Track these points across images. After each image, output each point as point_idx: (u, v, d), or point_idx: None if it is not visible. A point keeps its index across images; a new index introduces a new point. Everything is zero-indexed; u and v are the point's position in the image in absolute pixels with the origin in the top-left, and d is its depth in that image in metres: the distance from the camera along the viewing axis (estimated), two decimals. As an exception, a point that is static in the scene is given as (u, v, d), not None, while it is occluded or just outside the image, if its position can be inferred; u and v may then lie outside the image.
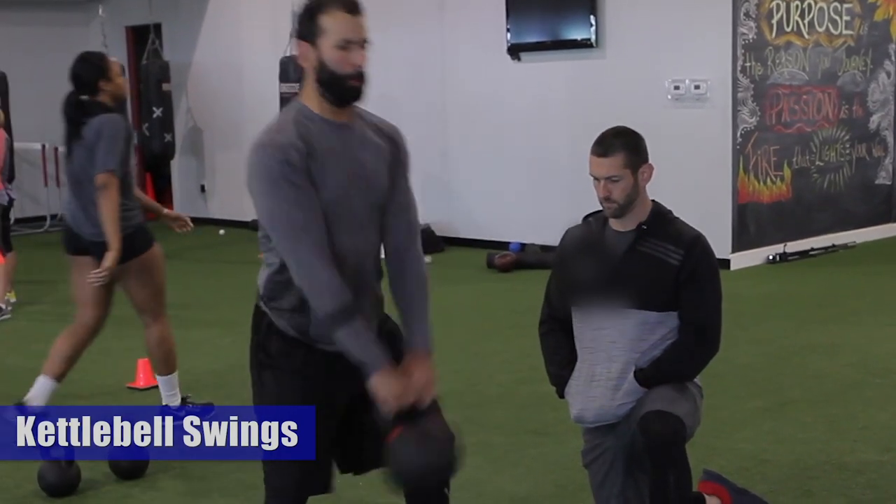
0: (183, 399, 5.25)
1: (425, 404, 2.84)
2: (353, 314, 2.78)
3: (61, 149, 13.33)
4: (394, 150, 2.99)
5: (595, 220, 3.50)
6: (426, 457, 2.82)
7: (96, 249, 4.78)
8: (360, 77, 2.83)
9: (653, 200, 3.45)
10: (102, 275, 4.70)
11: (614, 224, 3.43)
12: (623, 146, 3.35)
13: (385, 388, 2.78)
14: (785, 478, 4.25)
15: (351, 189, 2.87)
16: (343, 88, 2.83)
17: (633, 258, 3.38)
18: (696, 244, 3.37)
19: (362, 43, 2.82)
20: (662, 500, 3.25)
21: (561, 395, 3.53)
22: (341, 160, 2.85)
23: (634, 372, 3.34)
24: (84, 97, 4.91)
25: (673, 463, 3.24)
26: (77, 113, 4.90)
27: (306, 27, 2.83)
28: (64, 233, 5.09)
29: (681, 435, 3.24)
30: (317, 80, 2.84)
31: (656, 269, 3.35)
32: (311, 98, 2.87)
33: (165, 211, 5.51)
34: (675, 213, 3.48)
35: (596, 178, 3.37)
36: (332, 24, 2.79)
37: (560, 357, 3.53)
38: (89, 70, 4.94)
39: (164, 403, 5.17)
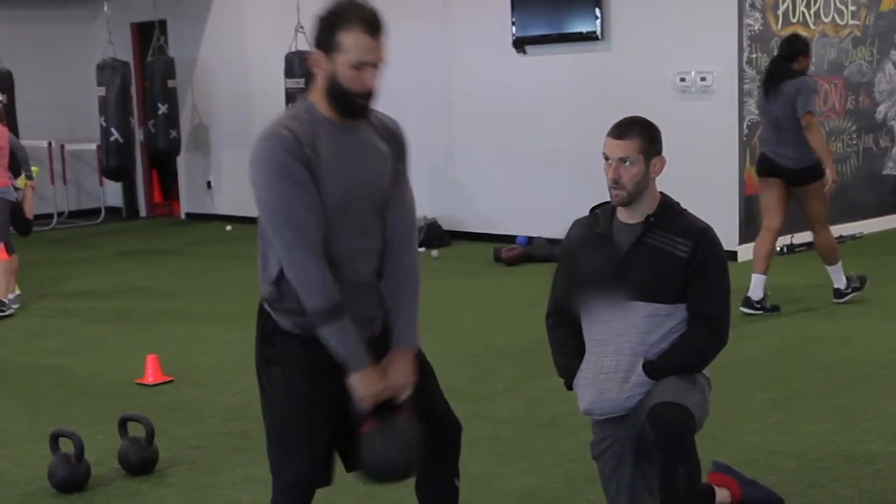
0: (847, 278, 7.21)
1: (399, 401, 2.93)
2: (340, 312, 2.84)
3: (68, 146, 13.46)
4: (396, 150, 3.02)
5: (602, 212, 3.49)
6: (390, 454, 2.92)
7: (787, 174, 6.88)
8: (367, 96, 2.86)
9: (661, 193, 3.44)
10: (829, 187, 6.80)
11: (622, 216, 3.42)
12: (640, 133, 3.36)
13: (363, 387, 2.88)
14: (794, 469, 4.24)
15: (354, 195, 2.91)
16: (349, 105, 2.87)
17: (641, 250, 3.37)
18: (704, 236, 3.36)
19: (376, 64, 2.84)
20: (672, 491, 3.24)
21: (569, 387, 3.53)
22: (346, 167, 2.88)
23: (643, 364, 3.34)
24: (786, 64, 6.89)
25: (682, 454, 3.23)
26: (780, 74, 6.86)
27: (324, 38, 2.83)
28: (760, 158, 7.14)
29: (690, 426, 3.24)
30: (326, 89, 2.86)
31: (664, 262, 3.34)
32: (319, 100, 2.90)
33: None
34: (682, 205, 3.47)
35: (607, 160, 3.36)
36: (351, 42, 2.79)
37: (567, 349, 3.52)
38: (797, 47, 6.94)
39: (834, 286, 7.21)
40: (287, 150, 2.80)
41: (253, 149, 2.88)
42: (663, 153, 3.42)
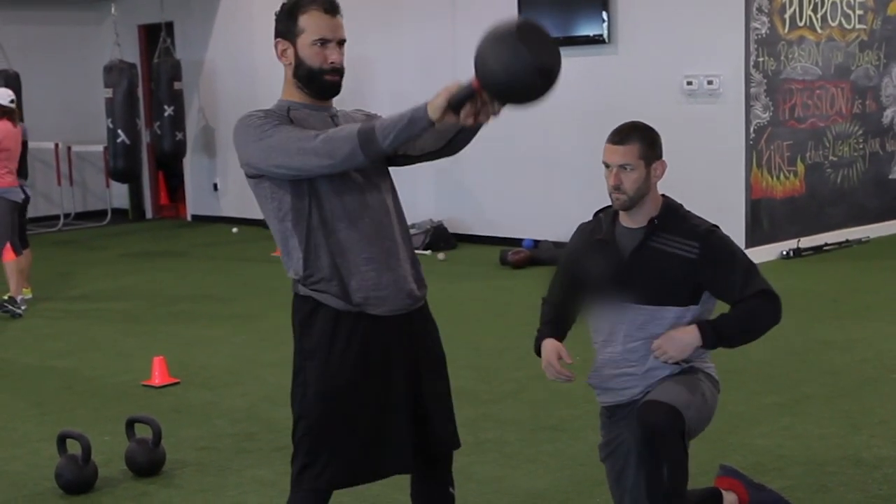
0: None
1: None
2: (372, 125, 2.81)
3: (75, 148, 13.49)
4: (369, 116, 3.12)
5: (605, 216, 3.49)
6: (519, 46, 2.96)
7: None
8: (336, 72, 2.98)
9: (663, 195, 3.44)
10: None
11: (624, 220, 3.42)
12: (640, 138, 3.35)
13: (440, 95, 2.77)
14: (801, 473, 4.24)
15: None
16: (320, 83, 2.98)
17: (645, 254, 3.36)
18: (710, 235, 3.35)
19: (339, 42, 2.98)
20: (656, 490, 3.23)
21: (538, 350, 3.51)
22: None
23: (698, 324, 3.28)
24: None
25: (666, 454, 3.19)
26: None
27: (285, 26, 2.98)
28: None
29: (676, 427, 3.18)
30: (295, 75, 3.00)
31: (671, 265, 3.33)
32: (292, 94, 3.03)
33: None
34: (688, 209, 3.46)
35: (608, 166, 3.36)
36: (311, 23, 2.94)
37: (548, 318, 3.53)
38: None
39: None
40: (267, 114, 2.97)
41: (234, 130, 3.04)
42: (669, 157, 3.42)
